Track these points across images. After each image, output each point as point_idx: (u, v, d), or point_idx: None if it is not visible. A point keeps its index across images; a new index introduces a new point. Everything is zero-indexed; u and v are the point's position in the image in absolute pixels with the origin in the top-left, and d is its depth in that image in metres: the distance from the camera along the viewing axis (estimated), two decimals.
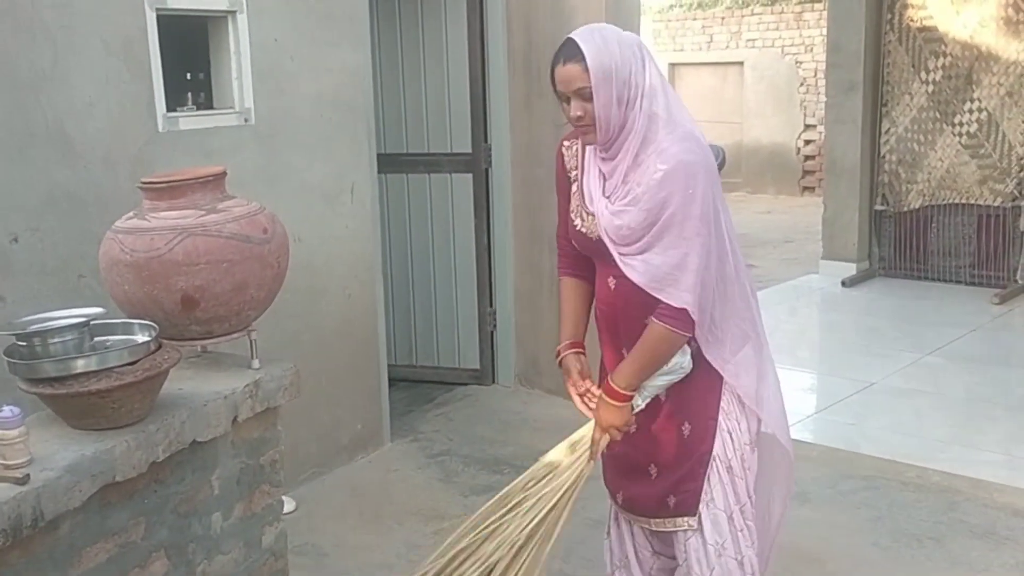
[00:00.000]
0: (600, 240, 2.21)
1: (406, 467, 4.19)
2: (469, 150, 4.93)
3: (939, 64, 6.98)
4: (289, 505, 3.72)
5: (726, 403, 2.30)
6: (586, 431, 2.35)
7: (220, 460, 2.28)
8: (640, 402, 2.28)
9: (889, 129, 7.25)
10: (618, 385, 2.22)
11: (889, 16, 7.15)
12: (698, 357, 2.26)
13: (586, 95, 2.11)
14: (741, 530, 2.33)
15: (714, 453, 2.31)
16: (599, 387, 2.33)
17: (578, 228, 2.28)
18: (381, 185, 4.78)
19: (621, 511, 2.53)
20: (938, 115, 7.04)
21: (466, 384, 5.13)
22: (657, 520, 2.40)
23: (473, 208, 4.98)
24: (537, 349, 5.00)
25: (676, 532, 2.37)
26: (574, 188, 2.31)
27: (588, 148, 2.27)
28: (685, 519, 2.34)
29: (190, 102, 3.58)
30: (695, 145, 2.12)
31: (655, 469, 2.37)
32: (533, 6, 4.71)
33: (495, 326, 5.09)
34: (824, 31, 7.63)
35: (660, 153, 2.10)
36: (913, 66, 7.09)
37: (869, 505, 3.72)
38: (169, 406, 2.13)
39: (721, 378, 2.28)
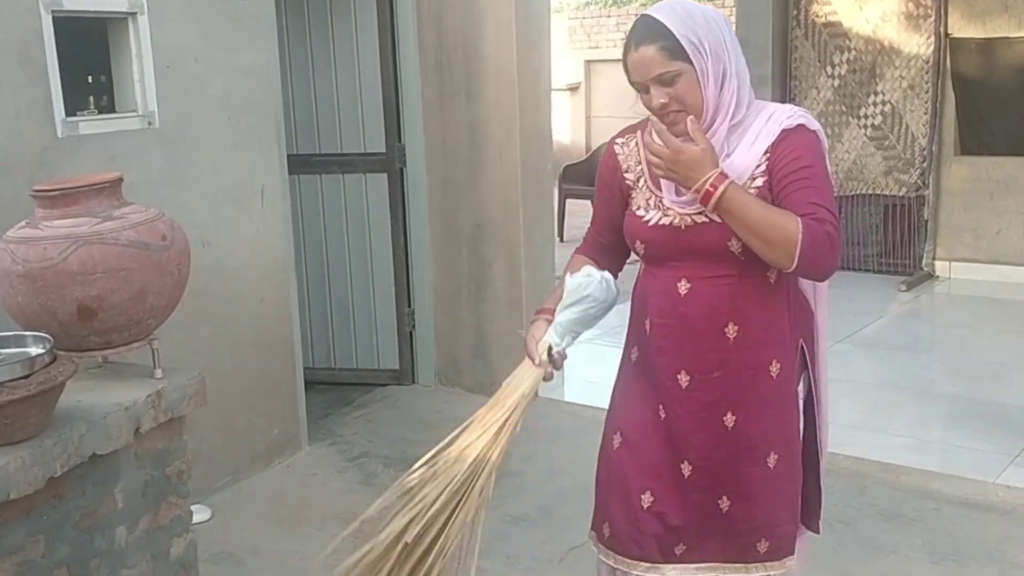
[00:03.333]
0: (699, 228, 1.93)
1: (325, 471, 4.15)
2: (383, 150, 4.90)
3: (844, 59, 7.16)
4: (204, 514, 3.66)
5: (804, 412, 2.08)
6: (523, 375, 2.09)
7: (123, 473, 2.23)
8: (557, 339, 2.05)
9: None
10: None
11: (795, 12, 7.31)
12: (786, 372, 2.01)
13: (667, 79, 1.88)
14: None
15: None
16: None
17: (654, 222, 2.00)
18: (294, 186, 4.73)
19: (684, 566, 2.11)
20: (844, 108, 7.21)
21: (385, 385, 5.10)
22: (736, 566, 2.09)
23: (389, 208, 4.95)
24: (457, 348, 4.99)
25: None
26: (638, 186, 2.05)
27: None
28: (781, 562, 2.09)
29: (92, 105, 3.49)
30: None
31: (727, 503, 2.07)
32: (444, 5, 4.70)
33: (414, 326, 5.08)
34: (734, 26, 7.76)
35: (769, 117, 1.93)
36: (819, 60, 7.26)
37: None
38: (67, 419, 2.07)
39: (797, 390, 2.06)
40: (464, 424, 2.11)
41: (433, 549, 2.08)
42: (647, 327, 2.07)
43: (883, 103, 7.07)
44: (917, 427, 4.52)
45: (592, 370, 4.62)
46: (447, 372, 5.05)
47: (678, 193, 1.96)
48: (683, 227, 1.96)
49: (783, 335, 2.01)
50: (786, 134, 1.91)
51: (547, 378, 2.09)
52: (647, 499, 2.10)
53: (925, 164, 6.98)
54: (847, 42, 7.13)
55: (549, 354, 2.05)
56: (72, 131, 3.29)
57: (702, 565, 2.10)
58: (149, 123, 3.54)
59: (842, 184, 7.29)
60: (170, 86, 3.58)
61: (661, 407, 2.08)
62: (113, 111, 3.53)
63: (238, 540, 3.56)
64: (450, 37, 4.71)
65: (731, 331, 1.98)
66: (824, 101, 7.28)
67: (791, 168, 1.88)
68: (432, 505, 2.05)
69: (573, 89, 13.23)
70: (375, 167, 4.93)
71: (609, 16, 13.53)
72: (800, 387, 2.10)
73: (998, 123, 6.81)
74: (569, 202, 9.06)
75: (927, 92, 6.89)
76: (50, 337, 2.09)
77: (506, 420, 2.07)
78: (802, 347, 2.07)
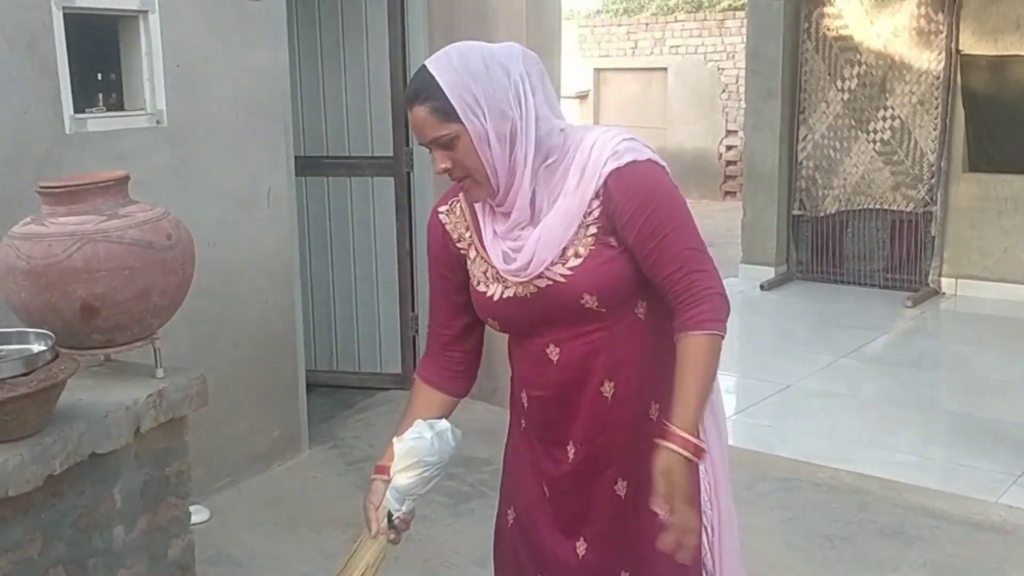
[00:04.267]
0: (546, 292, 1.73)
1: (324, 474, 4.14)
2: (391, 153, 4.89)
3: (854, 72, 7.15)
4: (203, 515, 3.65)
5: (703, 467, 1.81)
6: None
7: (122, 472, 2.22)
8: (397, 505, 1.85)
9: (806, 136, 7.40)
10: (687, 428, 1.66)
11: (806, 25, 7.30)
12: (667, 403, 1.75)
13: (444, 143, 1.68)
14: None
15: (714, 529, 1.86)
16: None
17: (497, 296, 1.79)
18: (300, 188, 4.72)
19: None
20: (853, 122, 7.21)
21: (387, 389, 5.09)
22: None
23: (395, 212, 4.95)
24: None
25: None
26: (471, 256, 1.83)
27: (479, 209, 1.81)
28: None
29: (101, 103, 3.49)
30: (621, 136, 1.73)
31: None
32: (455, 11, 4.70)
33: (417, 331, 5.06)
34: (745, 39, 7.77)
35: (591, 146, 1.71)
36: (829, 74, 7.25)
37: (784, 506, 3.78)
38: (67, 417, 2.06)
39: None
40: None
41: None
42: (524, 401, 1.88)
43: (892, 118, 7.06)
44: (920, 444, 4.50)
45: None
46: None
47: (507, 260, 1.75)
48: (528, 296, 1.75)
49: (661, 372, 1.77)
50: (618, 176, 1.68)
51: (394, 542, 1.88)
52: None
53: (933, 180, 6.96)
54: (858, 56, 7.12)
55: (390, 522, 1.86)
56: (80, 128, 3.28)
57: None
58: (157, 122, 3.53)
59: (849, 198, 7.28)
60: (179, 85, 3.58)
61: (545, 486, 1.89)
62: (122, 109, 3.53)
63: (236, 542, 3.55)
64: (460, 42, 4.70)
65: (607, 390, 1.78)
66: (833, 115, 7.27)
67: (642, 220, 1.68)
68: None
69: (582, 97, 13.25)
70: (382, 171, 4.92)
71: (620, 25, 13.55)
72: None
73: (1007, 141, 6.80)
74: None
75: (937, 108, 6.88)
76: (52, 334, 2.08)
77: None
78: None
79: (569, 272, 1.72)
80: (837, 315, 6.69)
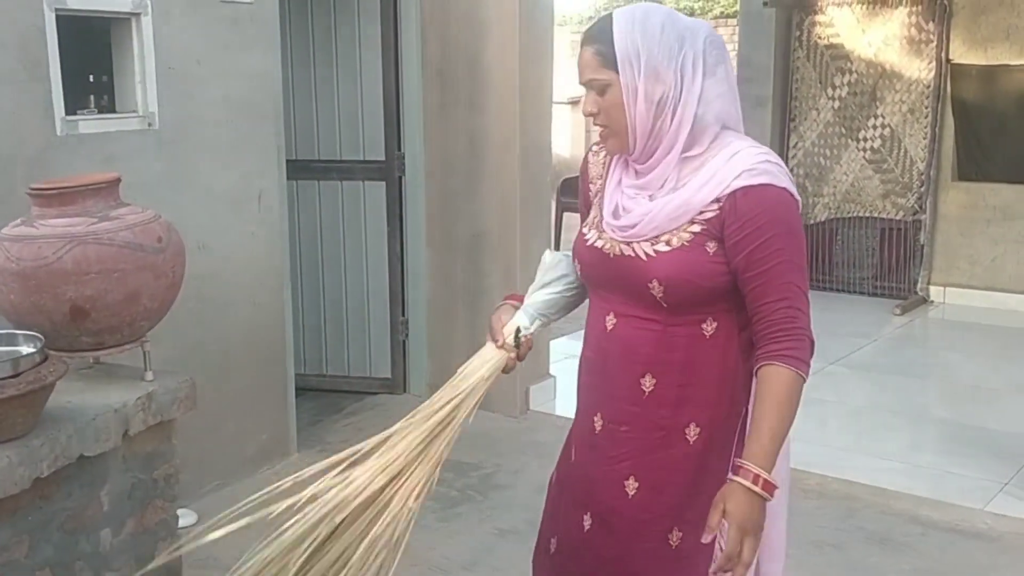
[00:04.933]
0: (625, 261, 1.75)
1: (312, 479, 4.12)
2: (382, 158, 4.90)
3: (845, 81, 7.18)
4: (190, 518, 3.63)
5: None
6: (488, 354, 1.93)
7: (110, 475, 2.22)
8: (527, 322, 1.89)
9: (797, 143, 7.43)
10: (759, 464, 1.65)
11: (798, 33, 7.33)
12: (708, 439, 1.77)
13: (597, 87, 1.73)
14: None
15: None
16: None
17: (590, 242, 1.83)
18: (292, 192, 4.72)
19: None
20: (843, 130, 7.23)
21: (377, 393, 5.09)
22: None
23: (386, 216, 4.95)
24: (450, 358, 4.96)
25: None
26: (593, 199, 1.90)
27: (615, 158, 1.85)
28: None
29: (92, 105, 3.49)
30: (773, 164, 1.72)
31: None
32: (448, 16, 4.71)
33: (407, 335, 5.06)
34: (737, 46, 7.78)
35: (731, 156, 1.71)
36: (820, 82, 7.28)
37: None
38: (55, 420, 2.06)
39: (729, 465, 1.77)
40: (417, 409, 1.93)
41: (362, 536, 1.87)
42: (582, 359, 1.93)
43: (883, 126, 7.09)
44: (908, 452, 4.51)
45: None
46: (439, 382, 4.94)
47: (615, 215, 1.79)
48: (611, 255, 1.78)
49: (712, 397, 1.77)
50: (748, 193, 1.68)
51: (507, 368, 1.91)
52: (553, 544, 1.98)
53: (923, 188, 6.99)
54: (848, 64, 7.15)
55: (516, 338, 1.89)
56: (72, 130, 3.28)
57: None
58: (149, 124, 3.53)
59: (839, 206, 7.30)
60: (171, 88, 3.58)
61: (573, 450, 1.94)
62: (113, 111, 3.53)
63: (224, 545, 3.53)
64: (453, 48, 4.71)
65: (647, 383, 1.78)
66: (824, 123, 7.30)
67: (758, 242, 1.67)
68: (361, 491, 1.84)
69: (574, 103, 13.25)
70: (374, 175, 4.92)
71: None
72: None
73: (997, 150, 6.83)
74: (566, 215, 9.06)
75: (927, 117, 6.91)
76: (41, 336, 2.08)
77: (458, 406, 1.90)
78: (744, 417, 1.80)
79: (653, 254, 1.73)
80: (826, 323, 6.68)
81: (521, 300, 1.96)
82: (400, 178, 4.92)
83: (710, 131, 1.74)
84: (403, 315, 5.04)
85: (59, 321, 2.14)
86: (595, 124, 1.78)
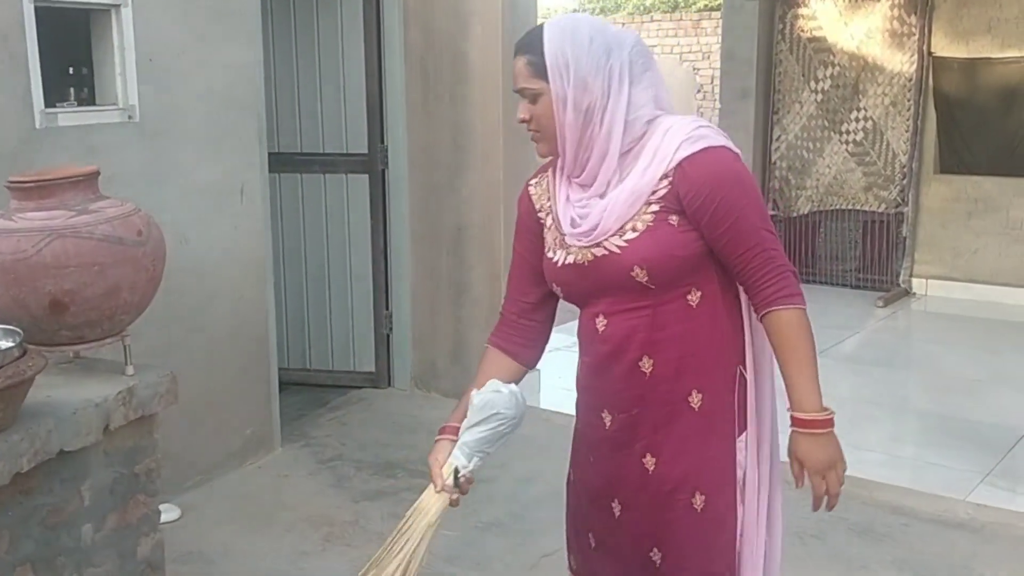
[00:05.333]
0: (601, 262, 1.81)
1: (297, 472, 4.12)
2: (365, 151, 4.88)
3: (828, 73, 7.20)
4: (174, 513, 3.63)
5: (743, 452, 1.88)
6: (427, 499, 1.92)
7: (91, 470, 2.20)
8: (464, 461, 1.87)
9: (780, 136, 7.45)
10: (814, 409, 1.79)
11: (781, 26, 7.35)
12: (710, 402, 1.85)
13: (529, 96, 1.81)
14: None
15: (740, 531, 1.89)
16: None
17: (560, 263, 1.88)
18: (274, 185, 4.70)
19: None
20: (826, 123, 7.25)
21: (361, 387, 5.08)
22: None
23: (369, 209, 4.93)
24: (434, 352, 4.98)
25: None
26: (547, 224, 1.93)
27: (557, 177, 1.92)
28: None
29: (72, 97, 3.46)
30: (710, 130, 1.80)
31: (659, 555, 1.92)
32: (431, 8, 4.69)
33: (391, 329, 5.05)
34: (720, 39, 7.81)
35: (666, 132, 1.79)
36: (803, 75, 7.29)
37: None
38: (35, 414, 2.04)
39: (735, 419, 1.88)
40: (368, 563, 1.90)
41: None
42: (580, 368, 1.99)
43: (865, 119, 7.11)
44: (890, 443, 4.54)
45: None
46: (424, 376, 5.04)
47: (573, 225, 1.85)
48: (585, 263, 1.83)
49: (708, 363, 1.86)
50: (690, 161, 1.75)
51: (454, 504, 1.91)
52: (592, 540, 2.03)
53: (905, 181, 7.02)
54: (831, 57, 7.17)
55: (455, 478, 1.87)
56: (51, 122, 3.25)
57: None
58: (129, 117, 3.51)
59: (822, 199, 7.33)
60: (152, 80, 3.55)
61: (590, 454, 1.99)
62: (93, 103, 3.50)
63: (208, 540, 3.53)
64: (436, 40, 4.70)
65: (646, 365, 1.84)
66: (807, 116, 7.32)
67: (717, 202, 1.75)
68: None
69: None
70: (357, 168, 4.91)
71: None
72: (747, 430, 1.90)
73: (978, 143, 6.87)
74: None
75: (909, 110, 6.94)
76: (20, 331, 2.06)
77: (411, 555, 1.88)
78: (742, 375, 1.89)
79: (624, 244, 1.79)
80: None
81: (453, 431, 1.93)
82: (383, 171, 4.90)
83: (640, 127, 1.81)
84: (387, 309, 5.03)
85: (38, 315, 2.13)
86: (528, 130, 1.86)
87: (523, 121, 1.85)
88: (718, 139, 1.79)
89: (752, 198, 1.79)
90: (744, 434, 1.88)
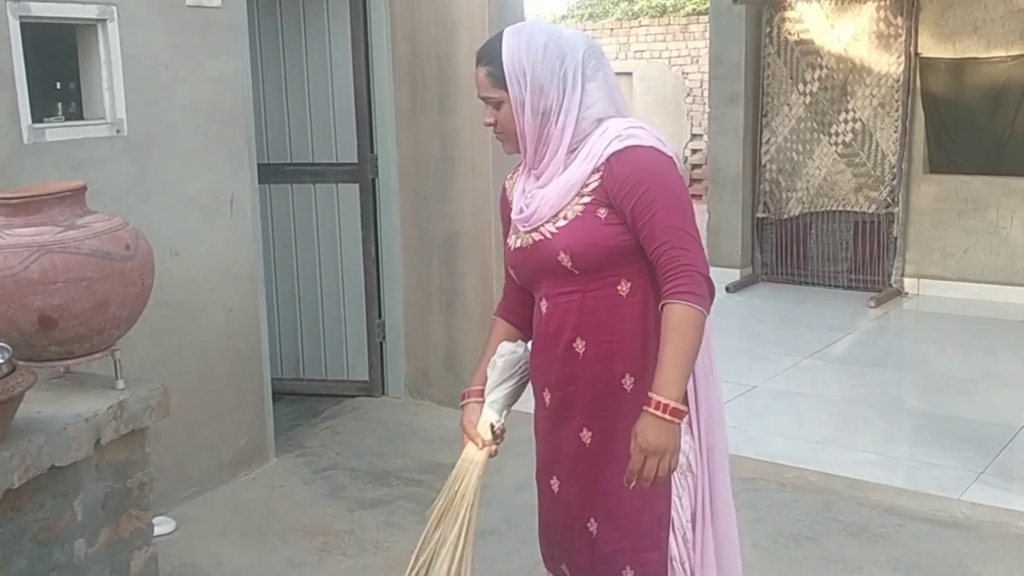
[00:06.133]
0: (537, 246, 1.98)
1: (291, 483, 4.11)
2: (355, 160, 4.88)
3: (816, 76, 7.22)
4: (168, 525, 3.62)
5: (684, 448, 1.99)
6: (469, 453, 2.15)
7: (83, 485, 2.20)
8: (497, 416, 2.12)
9: (769, 139, 7.47)
10: (670, 396, 1.85)
11: (768, 30, 7.37)
12: (641, 385, 1.95)
13: (493, 103, 1.98)
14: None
15: (673, 511, 2.03)
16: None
17: (513, 247, 2.06)
18: (264, 196, 4.70)
19: None
20: (815, 125, 7.28)
21: (354, 396, 5.07)
22: None
23: (360, 219, 4.93)
24: (427, 360, 4.98)
25: None
26: (513, 216, 2.11)
27: (521, 170, 2.10)
28: None
29: (60, 112, 3.46)
30: (641, 131, 1.93)
31: (595, 525, 2.07)
32: (417, 17, 4.70)
33: (384, 337, 5.05)
34: (708, 43, 7.83)
35: (603, 132, 1.94)
36: (791, 78, 7.32)
37: (750, 507, 3.80)
38: (25, 430, 2.04)
39: None
40: (430, 522, 2.13)
41: None
42: (532, 349, 2.14)
43: (854, 120, 7.14)
44: (884, 443, 4.54)
45: None
46: (417, 384, 5.03)
47: (520, 211, 2.03)
48: (527, 247, 2.02)
49: (638, 349, 1.98)
50: (617, 157, 1.90)
51: (493, 455, 2.13)
52: (541, 514, 2.21)
53: (894, 182, 7.04)
54: (819, 60, 7.19)
55: (492, 432, 2.12)
56: (39, 138, 3.25)
57: None
58: (117, 131, 3.51)
59: (812, 200, 7.35)
60: (139, 94, 3.55)
61: (536, 429, 2.16)
62: (81, 118, 3.50)
63: (202, 552, 3.52)
64: (423, 49, 4.71)
65: (579, 346, 1.99)
66: (796, 118, 7.34)
67: (636, 197, 1.88)
68: None
69: None
70: (347, 177, 4.91)
71: (584, 30, 13.59)
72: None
73: (966, 142, 6.90)
74: None
75: (897, 111, 6.97)
76: (9, 347, 2.06)
77: (468, 516, 2.09)
78: None
79: (555, 231, 1.96)
80: (802, 316, 6.75)
81: (478, 394, 2.16)
82: (373, 180, 4.90)
83: (590, 125, 1.96)
84: (379, 317, 5.03)
85: (27, 331, 2.13)
86: (494, 132, 2.02)
87: (489, 125, 2.01)
88: (648, 139, 1.92)
89: (673, 197, 1.90)
90: (683, 419, 1.93)
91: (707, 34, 8.17)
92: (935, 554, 3.43)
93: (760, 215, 7.61)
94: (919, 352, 6.12)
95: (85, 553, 2.23)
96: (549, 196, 1.96)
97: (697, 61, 12.37)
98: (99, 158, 3.43)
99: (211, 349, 3.93)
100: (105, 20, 3.42)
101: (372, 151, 4.87)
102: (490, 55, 1.95)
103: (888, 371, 5.69)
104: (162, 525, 3.52)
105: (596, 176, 1.92)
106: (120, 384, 2.31)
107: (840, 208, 7.27)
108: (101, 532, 2.27)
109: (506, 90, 1.93)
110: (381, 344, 5.06)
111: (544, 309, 2.04)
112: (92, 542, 2.25)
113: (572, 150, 1.96)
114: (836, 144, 7.21)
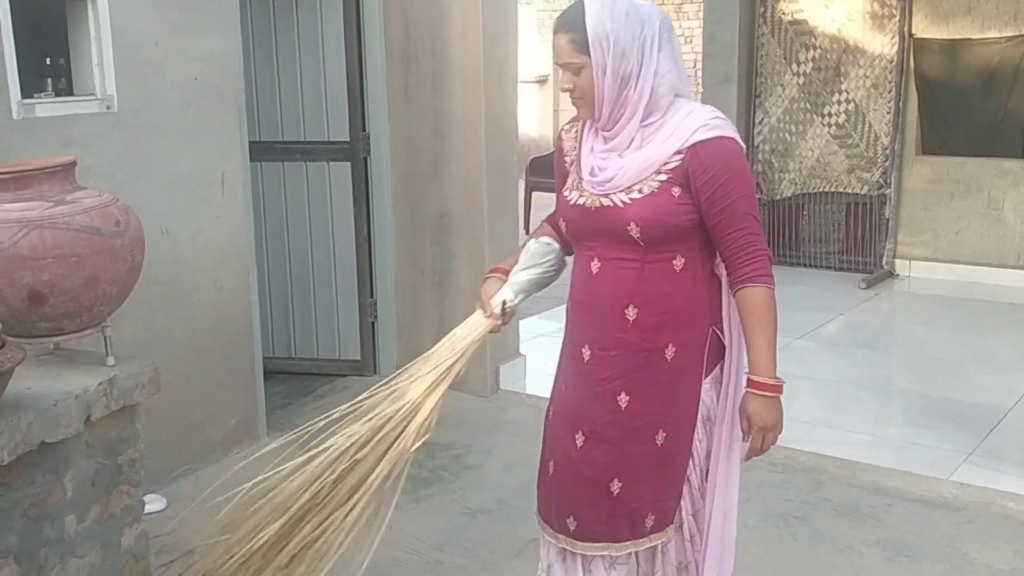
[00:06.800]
0: (605, 211, 2.07)
1: (283, 462, 4.10)
2: (347, 138, 4.86)
3: (809, 56, 7.21)
4: (159, 503, 3.62)
5: (707, 392, 2.18)
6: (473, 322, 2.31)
7: (73, 461, 2.19)
8: (512, 296, 2.25)
9: (762, 120, 7.45)
10: (766, 375, 2.05)
11: (762, 9, 7.34)
12: (682, 355, 2.12)
13: (573, 69, 2.05)
14: (692, 538, 2.26)
15: (691, 463, 2.20)
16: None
17: (572, 202, 2.14)
18: (256, 174, 4.68)
19: (573, 541, 2.25)
20: (809, 106, 7.27)
21: (346, 375, 5.07)
22: (625, 544, 2.22)
23: (352, 197, 4.92)
24: (419, 339, 4.96)
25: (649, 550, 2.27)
26: (570, 167, 2.21)
27: (586, 126, 2.17)
28: (663, 534, 2.23)
29: (50, 88, 3.43)
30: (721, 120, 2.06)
31: (618, 486, 2.18)
32: None
33: (376, 316, 5.05)
34: (702, 24, 7.80)
35: (687, 115, 2.05)
36: (785, 58, 7.30)
37: (740, 487, 3.81)
38: (15, 407, 2.03)
39: (702, 367, 2.16)
40: (411, 364, 2.36)
41: (354, 490, 2.43)
42: (569, 302, 2.25)
43: (847, 102, 7.13)
44: (874, 424, 4.56)
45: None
46: (409, 363, 5.02)
47: (592, 174, 2.11)
48: (592, 208, 2.10)
49: (684, 321, 2.12)
50: (704, 145, 2.02)
51: (494, 330, 2.29)
52: (551, 467, 2.28)
53: (887, 163, 7.04)
54: (813, 40, 7.17)
55: (503, 309, 2.25)
56: (28, 113, 3.23)
57: (593, 545, 2.23)
58: (107, 107, 3.48)
59: (805, 181, 7.35)
60: (130, 70, 3.53)
61: (563, 382, 2.26)
62: (71, 94, 3.47)
63: (191, 530, 3.52)
64: (416, 27, 4.68)
65: (631, 313, 2.10)
66: (789, 99, 7.33)
67: (718, 184, 2.01)
68: (358, 447, 2.39)
69: (542, 81, 13.22)
70: (339, 156, 4.89)
71: None
72: (712, 373, 2.19)
73: (959, 124, 6.89)
74: (536, 194, 9.05)
75: (890, 92, 6.96)
76: None
77: (452, 364, 2.29)
78: (715, 334, 2.16)
79: (629, 201, 2.05)
80: (793, 297, 6.75)
81: (505, 272, 2.31)
82: (365, 159, 4.88)
83: (664, 101, 2.06)
84: (371, 296, 5.02)
85: (16, 307, 2.11)
86: (571, 97, 2.09)
87: (567, 90, 2.09)
88: (730, 131, 2.05)
89: (747, 188, 2.06)
90: (710, 376, 2.16)
91: (700, 14, 8.13)
92: (924, 534, 3.45)
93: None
94: (910, 333, 6.14)
95: (75, 529, 2.23)
96: (628, 169, 2.05)
97: (691, 41, 12.32)
98: (89, 134, 3.41)
99: (202, 328, 3.92)
100: None
101: (364, 129, 4.85)
102: (572, 22, 2.02)
103: (879, 352, 5.71)
104: (153, 503, 3.52)
105: (678, 157, 2.02)
106: (110, 361, 2.30)
107: (832, 189, 7.27)
108: (91, 508, 2.27)
109: (588, 56, 2.01)
110: (373, 323, 5.05)
111: (595, 269, 2.13)
112: (82, 518, 2.24)
113: (645, 122, 2.05)
114: (829, 125, 7.20)
